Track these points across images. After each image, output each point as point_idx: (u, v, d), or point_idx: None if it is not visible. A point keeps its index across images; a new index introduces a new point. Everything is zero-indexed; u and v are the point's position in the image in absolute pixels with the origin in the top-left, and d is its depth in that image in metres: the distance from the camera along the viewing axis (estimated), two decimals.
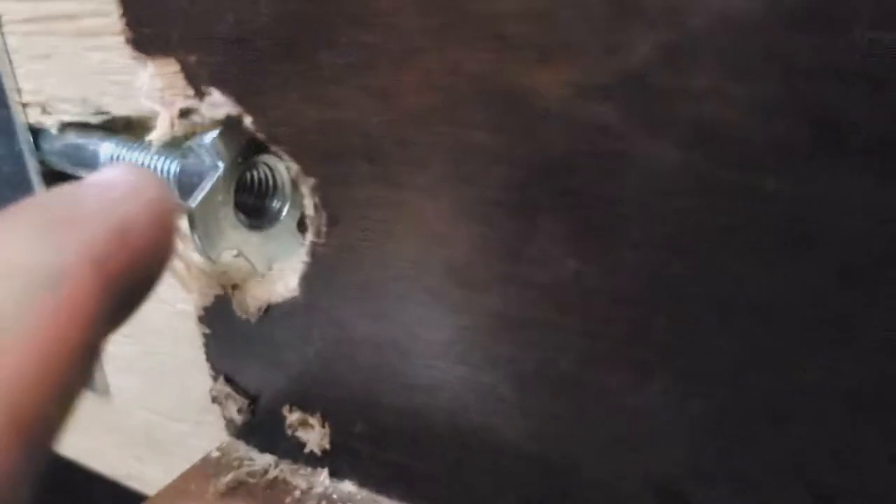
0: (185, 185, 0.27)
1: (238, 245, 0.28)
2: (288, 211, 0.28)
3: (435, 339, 0.24)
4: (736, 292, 0.18)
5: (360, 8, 0.21)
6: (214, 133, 0.26)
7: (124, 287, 0.16)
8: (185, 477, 0.31)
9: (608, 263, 0.20)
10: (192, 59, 0.25)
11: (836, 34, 0.15)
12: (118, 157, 0.30)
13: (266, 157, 0.27)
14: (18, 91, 0.33)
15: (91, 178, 0.18)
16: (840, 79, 0.16)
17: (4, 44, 0.32)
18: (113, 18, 0.27)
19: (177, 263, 0.28)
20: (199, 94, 0.25)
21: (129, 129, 0.31)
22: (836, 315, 0.17)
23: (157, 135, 0.26)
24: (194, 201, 0.25)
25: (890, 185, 0.16)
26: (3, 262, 0.14)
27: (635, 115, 0.18)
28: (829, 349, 0.17)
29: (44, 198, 0.17)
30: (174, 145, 0.28)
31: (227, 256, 0.28)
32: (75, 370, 0.14)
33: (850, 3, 0.15)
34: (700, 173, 0.18)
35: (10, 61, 0.32)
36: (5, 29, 0.32)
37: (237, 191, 0.27)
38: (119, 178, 0.18)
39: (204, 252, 0.26)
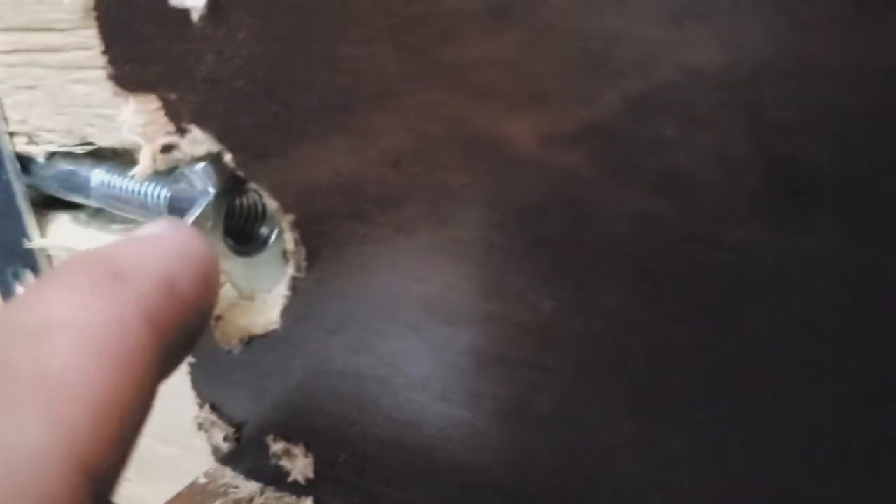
0: (176, 210, 0.27)
1: (225, 271, 0.28)
2: (275, 238, 0.28)
3: (415, 374, 0.24)
4: (704, 338, 0.18)
5: (334, 53, 0.21)
6: (198, 167, 0.26)
7: (174, 339, 0.17)
8: (173, 503, 0.31)
9: (583, 306, 0.20)
10: (173, 96, 0.25)
11: (801, 89, 0.16)
12: (109, 184, 0.30)
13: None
14: (5, 120, 0.33)
15: (138, 233, 0.19)
16: (805, 133, 0.16)
17: None
18: (96, 52, 0.27)
19: None
20: (181, 131, 0.25)
21: (117, 155, 0.31)
22: (803, 364, 0.17)
23: (139, 170, 0.27)
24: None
25: (854, 239, 0.16)
26: (62, 317, 0.15)
27: (603, 163, 0.18)
28: (797, 397, 0.18)
29: (95, 252, 0.18)
30: (165, 171, 0.28)
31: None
32: (132, 419, 0.15)
33: (809, 60, 0.15)
34: (668, 221, 0.18)
35: None
36: None
37: (226, 216, 0.28)
38: (165, 233, 0.19)
39: None
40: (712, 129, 0.17)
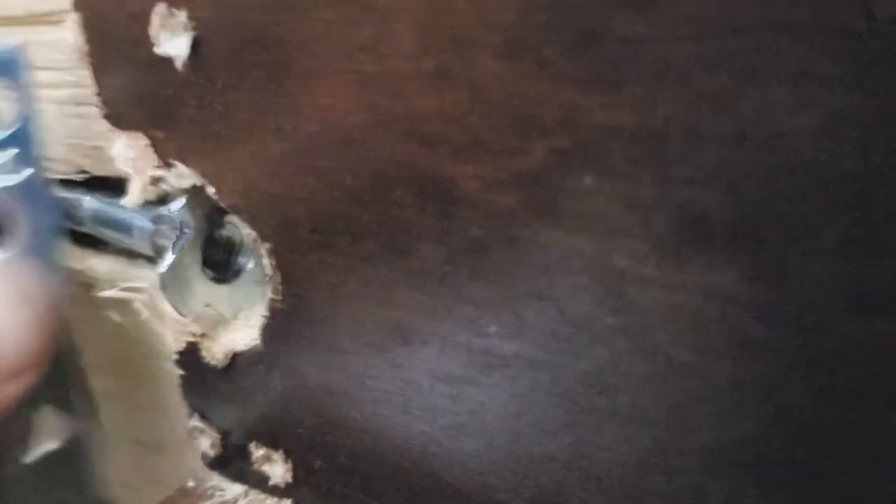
0: (158, 246, 0.29)
1: (206, 298, 0.30)
2: (253, 265, 0.31)
3: (380, 390, 0.27)
4: (621, 362, 0.21)
5: (302, 103, 0.23)
6: (182, 201, 0.28)
7: None
8: None
9: (521, 333, 0.22)
10: (160, 135, 0.27)
11: (697, 149, 0.18)
12: (100, 212, 0.33)
13: (232, 217, 0.30)
14: None
15: None
16: (702, 184, 0.18)
17: None
18: (91, 91, 0.29)
19: (151, 313, 0.31)
20: (167, 165, 0.28)
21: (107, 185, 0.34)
22: (710, 388, 0.20)
23: (129, 200, 0.29)
24: (163, 267, 0.28)
25: (747, 275, 0.18)
26: None
27: (534, 206, 0.21)
28: (708, 421, 0.20)
29: None
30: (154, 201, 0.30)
31: (196, 307, 0.30)
32: None
33: (703, 125, 0.18)
34: (590, 259, 0.20)
35: None
36: None
37: (206, 246, 0.30)
38: None
39: (175, 308, 0.29)
40: (623, 180, 0.19)
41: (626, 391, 0.21)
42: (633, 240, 0.20)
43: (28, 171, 0.26)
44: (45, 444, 0.32)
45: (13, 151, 0.26)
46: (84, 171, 0.33)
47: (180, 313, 0.29)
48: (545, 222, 0.21)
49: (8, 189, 0.26)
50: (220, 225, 0.30)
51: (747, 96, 0.17)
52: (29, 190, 0.26)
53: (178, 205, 0.28)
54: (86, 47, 0.28)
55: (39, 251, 0.27)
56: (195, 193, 0.28)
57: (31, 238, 0.27)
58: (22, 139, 0.26)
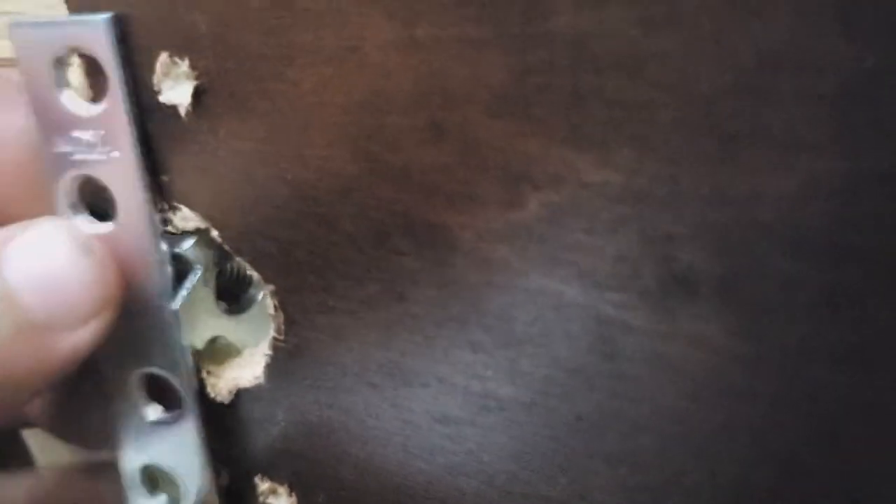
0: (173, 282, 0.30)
1: (217, 331, 0.31)
2: (262, 297, 0.31)
3: (380, 428, 0.27)
4: (611, 407, 0.21)
5: (301, 151, 0.24)
6: (191, 241, 0.29)
7: None
8: None
9: (516, 377, 0.23)
10: (165, 178, 0.28)
11: (680, 207, 0.19)
12: None
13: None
14: None
15: None
16: (686, 240, 0.19)
17: None
18: None
19: None
20: (172, 209, 0.29)
21: None
22: (696, 433, 0.20)
23: None
24: (176, 304, 0.28)
25: (731, 327, 0.19)
26: None
27: (528, 256, 0.21)
28: (694, 463, 0.21)
29: None
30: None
31: (205, 341, 0.31)
32: None
33: (683, 185, 0.18)
34: (581, 308, 0.21)
35: None
36: None
37: (218, 278, 0.31)
38: None
39: (188, 342, 0.30)
40: (611, 235, 0.20)
41: (616, 435, 0.22)
42: (621, 292, 0.20)
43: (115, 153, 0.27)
44: None
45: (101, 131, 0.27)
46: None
47: (193, 347, 0.30)
48: (538, 272, 0.21)
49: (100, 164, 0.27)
50: (231, 259, 0.30)
51: (728, 158, 0.18)
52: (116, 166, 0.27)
53: (188, 244, 0.29)
54: (90, 93, 0.29)
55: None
56: (202, 234, 0.29)
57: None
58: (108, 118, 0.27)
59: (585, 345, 0.21)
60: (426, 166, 0.22)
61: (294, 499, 0.32)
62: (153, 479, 0.33)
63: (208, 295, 0.30)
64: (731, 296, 0.19)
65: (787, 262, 0.18)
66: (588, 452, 0.23)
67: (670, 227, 0.19)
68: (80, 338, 0.26)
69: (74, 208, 0.28)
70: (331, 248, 0.25)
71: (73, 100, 0.26)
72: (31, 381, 0.25)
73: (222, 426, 0.32)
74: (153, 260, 0.29)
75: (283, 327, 0.28)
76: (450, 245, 0.23)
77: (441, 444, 0.26)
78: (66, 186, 0.28)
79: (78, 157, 0.27)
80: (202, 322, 0.30)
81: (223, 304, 0.31)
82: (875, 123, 0.16)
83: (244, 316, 0.31)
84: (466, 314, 0.23)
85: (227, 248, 0.28)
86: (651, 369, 0.20)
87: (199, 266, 0.29)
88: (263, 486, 0.32)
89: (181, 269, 0.30)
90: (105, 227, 0.28)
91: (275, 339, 0.29)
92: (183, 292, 0.29)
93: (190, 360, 0.30)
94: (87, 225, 0.28)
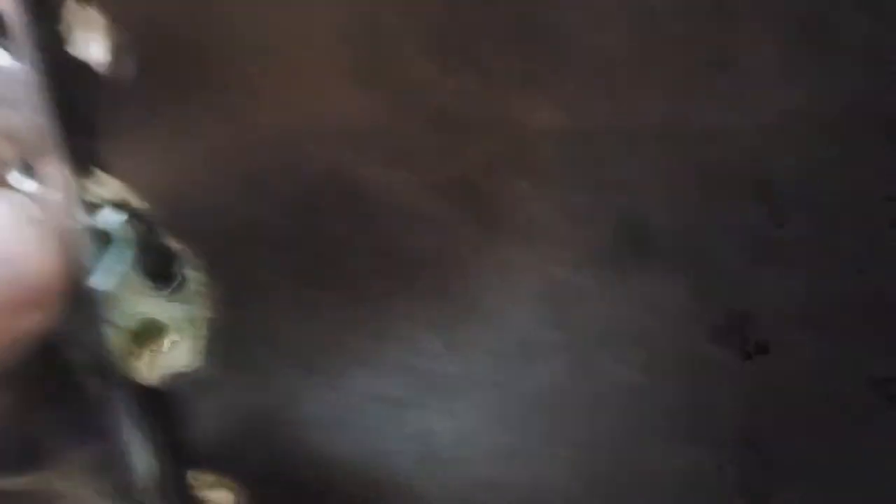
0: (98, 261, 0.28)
1: (147, 310, 0.29)
2: (193, 276, 0.29)
3: (318, 413, 0.25)
4: (562, 379, 0.19)
5: (223, 106, 0.22)
6: (118, 212, 0.27)
7: None
8: None
9: (463, 351, 0.21)
10: (80, 142, 0.26)
11: (633, 149, 0.16)
12: None
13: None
14: None
15: None
16: (639, 188, 0.17)
17: None
18: None
19: None
20: (88, 174, 0.26)
21: None
22: (658, 410, 0.18)
23: None
24: (105, 283, 0.26)
25: (689, 286, 0.17)
26: None
27: (468, 214, 0.19)
28: (660, 445, 0.19)
29: None
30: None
31: (133, 320, 0.29)
32: None
33: (641, 120, 0.16)
34: (528, 271, 0.19)
35: None
36: None
37: (145, 256, 0.28)
38: None
39: (117, 324, 0.27)
40: (559, 185, 0.17)
41: (572, 413, 0.20)
42: (571, 249, 0.18)
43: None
44: None
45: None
46: None
47: (121, 328, 0.27)
48: (480, 232, 0.19)
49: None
50: (160, 234, 0.28)
51: (687, 92, 0.15)
52: None
53: (113, 217, 0.26)
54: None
55: None
56: (128, 206, 0.27)
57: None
58: None
59: (534, 312, 0.19)
60: (355, 116, 0.20)
61: (232, 490, 0.30)
62: None
63: (136, 272, 0.28)
64: (687, 252, 0.17)
65: (752, 212, 0.16)
66: (543, 434, 0.21)
67: (623, 172, 0.17)
68: (31, 322, 0.23)
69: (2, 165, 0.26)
70: (259, 213, 0.23)
71: None
72: None
73: (154, 412, 0.30)
74: (75, 232, 0.26)
75: (215, 305, 0.26)
76: (385, 206, 0.20)
77: (386, 429, 0.23)
78: None
79: None
80: (130, 301, 0.28)
81: (152, 283, 0.28)
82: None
83: (175, 295, 0.29)
84: (406, 284, 0.21)
85: (152, 220, 0.26)
86: (606, 338, 0.18)
87: (124, 241, 0.27)
88: (203, 478, 0.30)
89: (107, 243, 0.27)
90: (32, 186, 0.26)
91: (207, 319, 0.27)
92: (109, 268, 0.27)
93: (116, 341, 0.28)
94: (15, 181, 0.26)
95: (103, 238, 0.27)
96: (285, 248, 0.23)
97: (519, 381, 0.20)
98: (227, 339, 0.26)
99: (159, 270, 0.29)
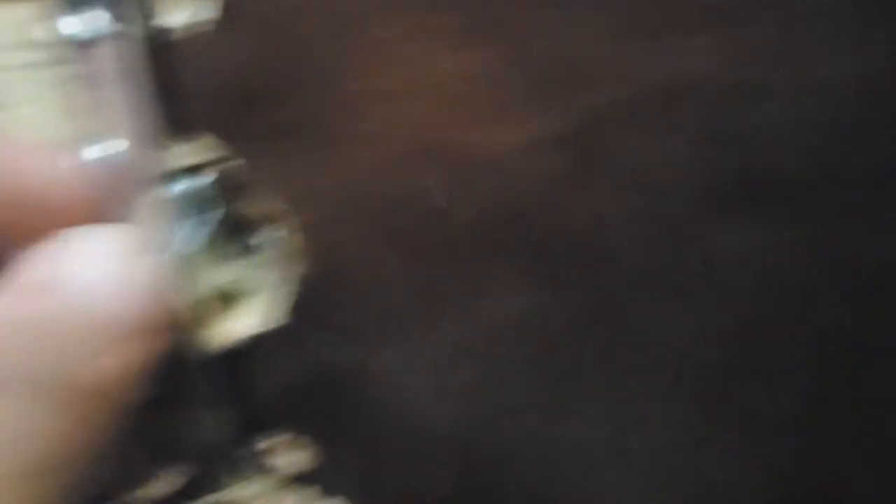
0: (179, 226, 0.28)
1: (227, 274, 0.29)
2: (271, 242, 0.30)
3: (402, 370, 0.26)
4: (676, 320, 0.20)
5: (310, 71, 0.22)
6: (203, 181, 0.27)
7: None
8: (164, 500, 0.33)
9: (554, 300, 0.22)
10: (161, 109, 0.26)
11: (754, 101, 0.17)
12: None
13: (253, 191, 0.29)
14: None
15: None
16: (749, 137, 0.17)
17: None
18: None
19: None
20: (170, 142, 0.27)
21: None
22: (768, 338, 0.19)
23: None
24: (188, 248, 0.27)
25: (804, 233, 0.18)
26: None
27: (573, 167, 0.20)
28: (740, 377, 0.19)
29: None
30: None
31: (210, 287, 0.30)
32: None
33: (760, 75, 0.17)
34: (633, 219, 0.20)
35: None
36: None
37: (223, 223, 0.29)
38: None
39: (196, 289, 0.28)
40: (673, 138, 0.18)
41: (679, 347, 0.21)
42: (675, 198, 0.19)
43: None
44: None
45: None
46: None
47: (201, 294, 0.28)
48: (584, 184, 0.20)
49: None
50: (238, 199, 0.29)
51: (822, 36, 0.16)
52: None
53: (200, 180, 0.27)
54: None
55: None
56: (215, 171, 0.27)
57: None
58: None
59: (636, 261, 0.20)
60: (454, 75, 0.21)
61: (306, 450, 0.30)
62: None
63: (218, 236, 0.28)
64: (805, 201, 0.18)
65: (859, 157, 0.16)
66: (631, 370, 0.21)
67: (740, 125, 0.17)
68: (146, 352, 0.24)
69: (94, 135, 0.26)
70: (358, 173, 0.24)
71: (72, 23, 0.25)
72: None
73: (232, 377, 0.31)
74: (160, 197, 0.27)
75: (303, 266, 0.27)
76: (478, 162, 0.21)
77: (471, 378, 0.24)
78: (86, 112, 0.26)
79: (87, 83, 0.25)
80: (212, 265, 0.28)
81: (232, 246, 0.29)
82: None
83: (255, 257, 0.30)
84: (506, 237, 0.22)
85: (229, 183, 0.27)
86: (722, 280, 0.19)
87: (210, 204, 0.28)
88: (275, 440, 0.31)
89: (192, 208, 0.28)
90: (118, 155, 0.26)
91: (284, 281, 0.27)
92: (194, 233, 0.28)
93: (196, 305, 0.29)
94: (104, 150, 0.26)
95: (188, 202, 0.28)
96: (389, 209, 0.24)
97: (610, 325, 0.21)
98: (313, 300, 0.27)
99: (242, 234, 0.29)
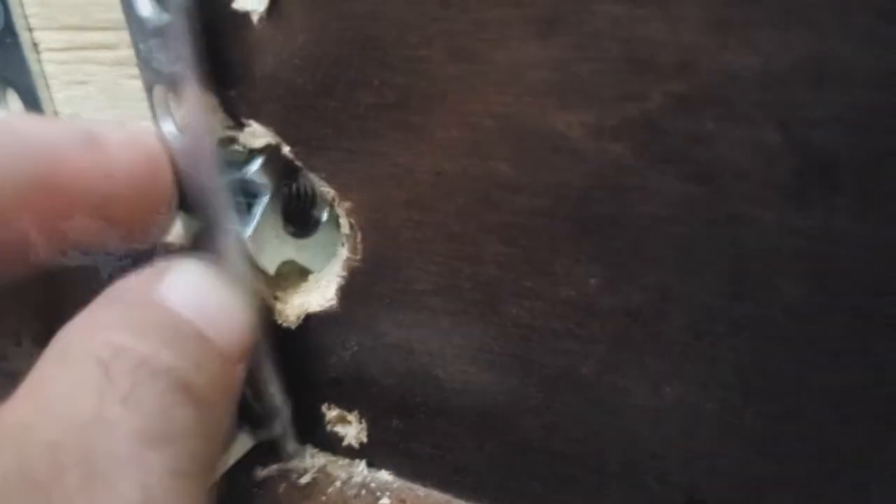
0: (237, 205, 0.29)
1: (286, 255, 0.30)
2: (327, 218, 0.30)
3: (464, 346, 0.26)
4: (738, 309, 0.21)
5: (390, 54, 0.23)
6: (257, 164, 0.28)
7: None
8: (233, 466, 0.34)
9: (624, 282, 0.22)
10: (232, 93, 0.27)
11: (825, 90, 0.17)
12: None
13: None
14: (55, 114, 0.35)
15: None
16: (829, 128, 0.18)
17: (42, 71, 0.34)
18: None
19: None
20: (239, 125, 0.27)
21: None
22: (826, 337, 0.19)
23: None
24: (246, 231, 0.27)
25: (869, 219, 0.18)
26: None
27: (647, 153, 0.20)
28: (822, 358, 0.20)
29: None
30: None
31: (276, 266, 0.30)
32: None
33: (833, 65, 0.17)
34: (705, 206, 0.20)
35: (48, 86, 0.34)
36: (43, 57, 0.34)
37: (288, 201, 0.30)
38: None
39: (258, 269, 0.29)
40: (747, 125, 0.19)
41: (740, 337, 0.21)
42: (753, 185, 0.19)
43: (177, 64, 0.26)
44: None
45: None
46: None
47: (263, 272, 0.29)
48: (658, 169, 0.20)
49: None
50: (295, 178, 0.29)
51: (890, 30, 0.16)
52: None
53: (255, 165, 0.28)
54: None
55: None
56: (268, 154, 0.28)
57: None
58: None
59: (706, 247, 0.20)
60: (535, 62, 0.21)
61: (364, 425, 0.31)
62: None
63: (276, 218, 0.29)
64: (870, 186, 0.18)
65: None
66: (702, 357, 0.22)
67: (812, 112, 0.18)
68: (238, 374, 0.25)
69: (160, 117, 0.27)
70: (419, 157, 0.24)
71: (145, 5, 0.25)
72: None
73: (290, 353, 0.32)
74: (218, 183, 0.27)
75: (359, 246, 0.27)
76: (554, 147, 0.22)
77: (535, 359, 0.25)
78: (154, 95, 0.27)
79: (154, 65, 0.25)
80: (271, 247, 0.29)
81: (290, 227, 0.30)
82: None
83: (312, 238, 0.30)
84: (572, 222, 0.22)
85: (299, 164, 0.27)
86: (784, 267, 0.20)
87: (266, 188, 0.28)
88: (331, 413, 0.32)
89: (248, 191, 0.29)
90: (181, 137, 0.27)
91: (349, 258, 0.28)
92: (252, 217, 0.28)
93: (258, 284, 0.29)
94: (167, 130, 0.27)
95: (248, 187, 0.28)
96: (445, 190, 0.24)
97: (678, 311, 0.22)
98: (369, 280, 0.28)
99: (301, 215, 0.30)
